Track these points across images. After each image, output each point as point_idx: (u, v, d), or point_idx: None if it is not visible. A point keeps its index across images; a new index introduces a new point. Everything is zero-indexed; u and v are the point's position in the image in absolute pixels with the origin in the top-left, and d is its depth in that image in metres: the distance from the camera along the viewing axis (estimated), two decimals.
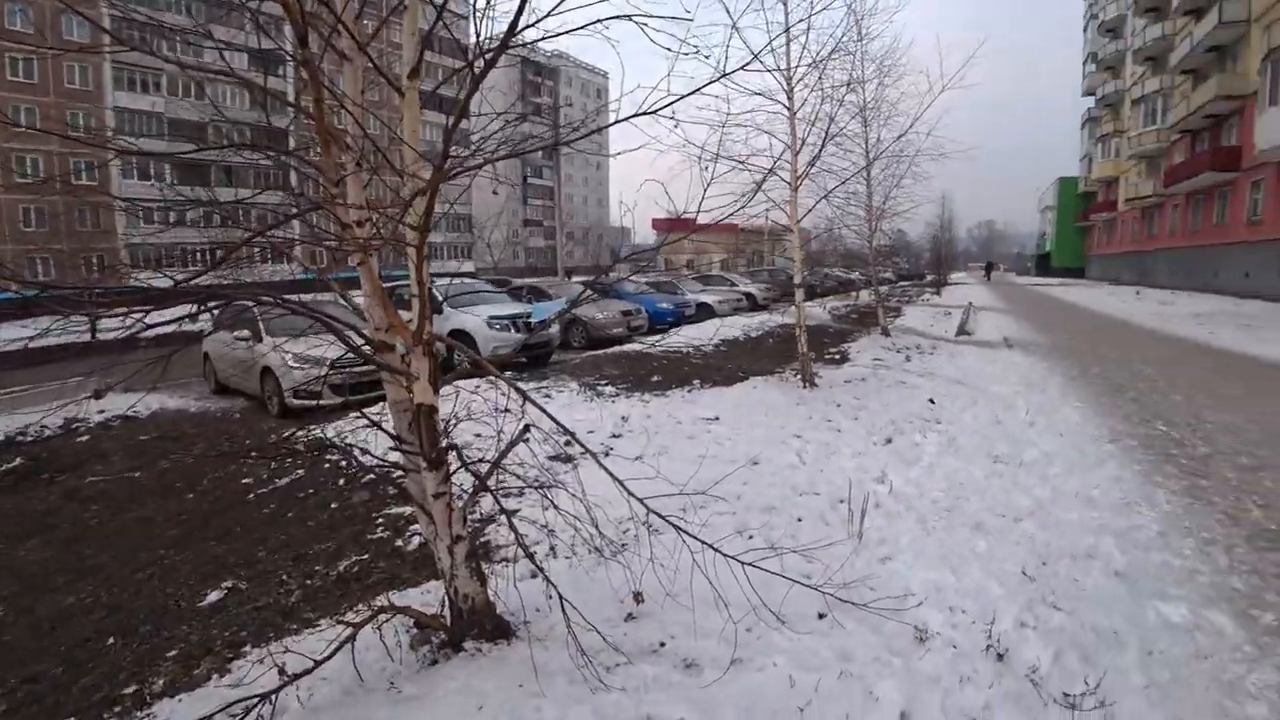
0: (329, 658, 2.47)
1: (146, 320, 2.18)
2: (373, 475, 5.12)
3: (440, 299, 11.56)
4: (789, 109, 8.16)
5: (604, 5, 2.37)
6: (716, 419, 6.75)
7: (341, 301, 3.14)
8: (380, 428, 3.03)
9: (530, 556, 3.03)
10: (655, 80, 2.76)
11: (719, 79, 3.27)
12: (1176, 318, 17.36)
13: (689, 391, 8.18)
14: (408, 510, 4.61)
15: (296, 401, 8.00)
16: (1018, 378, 9.20)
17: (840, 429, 6.42)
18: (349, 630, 2.57)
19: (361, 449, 3.37)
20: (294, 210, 2.50)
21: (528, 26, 2.07)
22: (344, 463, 5.64)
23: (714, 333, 13.78)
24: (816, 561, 3.39)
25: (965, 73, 9.75)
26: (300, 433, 4.02)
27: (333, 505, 4.92)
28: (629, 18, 2.31)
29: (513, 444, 3.13)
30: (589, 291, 4.41)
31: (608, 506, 3.30)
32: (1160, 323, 16.60)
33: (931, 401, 7.56)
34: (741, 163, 7.90)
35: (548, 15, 2.35)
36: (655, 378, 9.10)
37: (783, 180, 8.25)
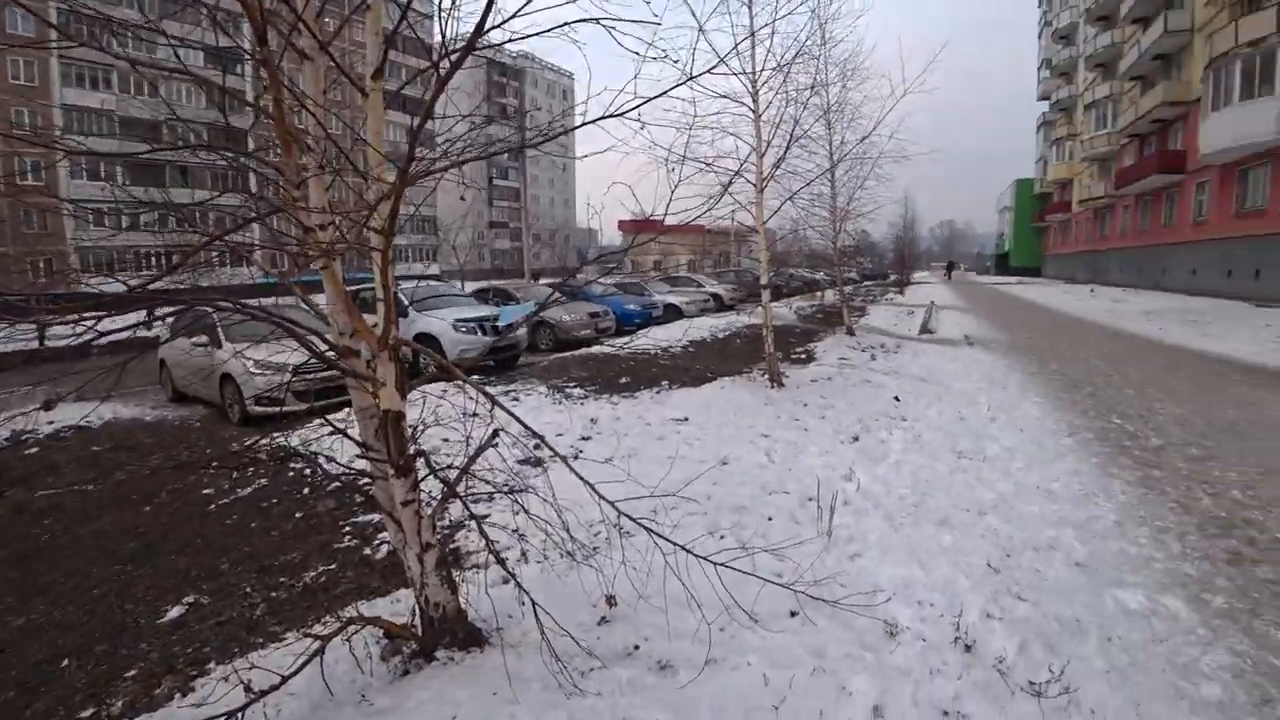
0: (296, 672, 2.41)
1: (99, 327, 2.11)
2: (339, 483, 5.02)
3: (405, 302, 11.39)
4: (754, 112, 8.24)
5: (571, 8, 2.37)
6: (685, 420, 6.77)
7: (304, 306, 3.07)
8: (346, 435, 2.98)
9: (502, 562, 3.00)
10: (621, 83, 2.76)
11: (686, 82, 3.29)
12: (1128, 315, 17.97)
13: (658, 393, 8.19)
14: (375, 518, 4.53)
15: (258, 409, 7.80)
16: (979, 375, 9.42)
17: (808, 428, 6.49)
18: (317, 643, 2.51)
19: (327, 456, 3.30)
20: (254, 214, 2.43)
21: (494, 27, 2.05)
22: (309, 471, 5.51)
23: (682, 334, 13.83)
24: (787, 560, 3.43)
25: (926, 77, 9.96)
26: (263, 441, 3.92)
27: (298, 515, 4.80)
28: (597, 21, 2.31)
29: (482, 449, 3.10)
30: (557, 294, 4.38)
31: (578, 510, 3.29)
32: (1113, 320, 17.16)
33: (897, 399, 7.69)
34: (708, 165, 7.96)
35: (514, 16, 2.33)
36: (624, 379, 9.09)
37: (748, 182, 8.33)
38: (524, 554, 3.74)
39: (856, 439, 6.10)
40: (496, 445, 3.14)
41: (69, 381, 2.25)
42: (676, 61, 3.37)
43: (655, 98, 2.82)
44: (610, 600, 3.16)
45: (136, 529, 4.85)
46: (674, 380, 8.95)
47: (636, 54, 2.80)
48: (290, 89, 2.36)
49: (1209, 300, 20.72)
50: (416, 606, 2.83)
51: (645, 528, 2.79)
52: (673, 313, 19.95)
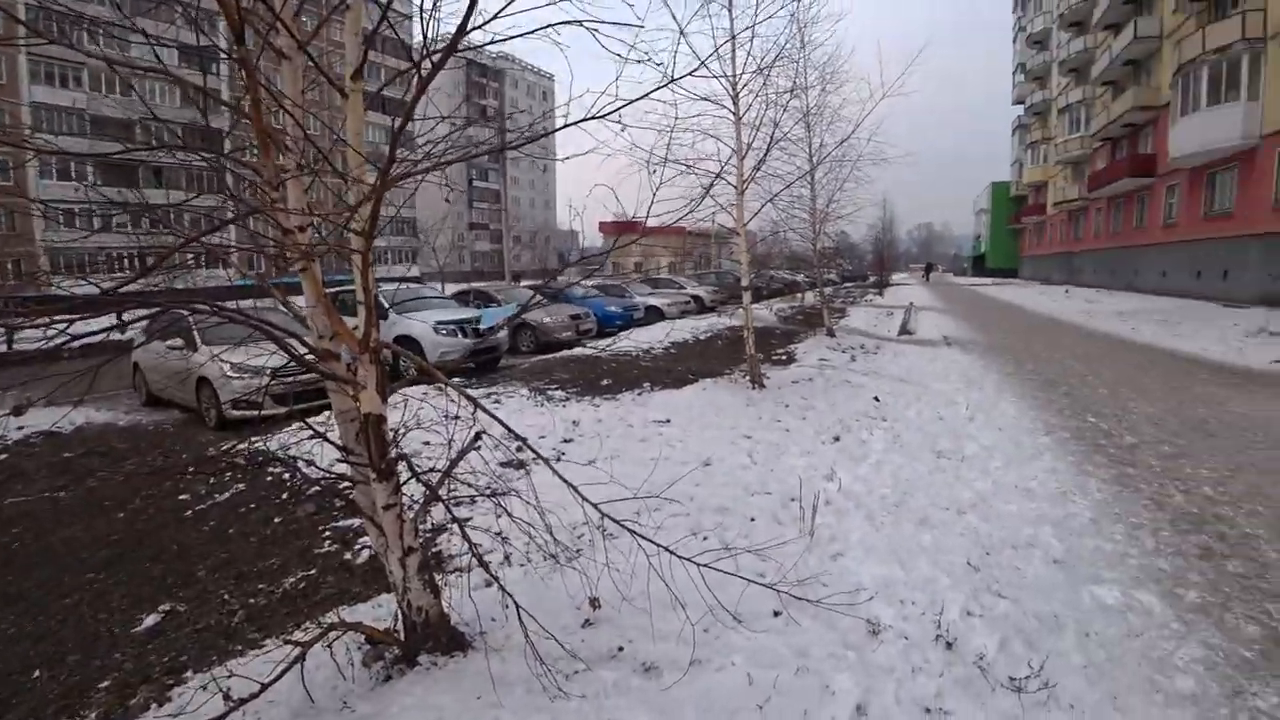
0: (277, 679, 2.37)
1: (71, 330, 2.06)
2: (318, 488, 4.96)
3: (385, 305, 11.29)
4: (735, 114, 8.28)
5: (553, 10, 2.37)
6: (668, 421, 6.78)
7: (282, 308, 3.03)
8: (326, 439, 2.94)
9: (485, 566, 2.98)
10: (601, 85, 2.76)
11: (667, 84, 3.30)
12: (1102, 315, 18.31)
13: (639, 394, 8.20)
14: (356, 522, 4.48)
15: (236, 413, 7.69)
16: (958, 375, 9.54)
17: (789, 429, 6.53)
18: (297, 650, 2.47)
19: (306, 461, 3.26)
20: (231, 215, 2.39)
21: (476, 28, 2.04)
22: (288, 476, 5.44)
23: (663, 335, 13.86)
24: (770, 560, 3.44)
25: (905, 80, 10.07)
26: (240, 445, 3.85)
27: (276, 520, 4.74)
28: (580, 23, 2.31)
29: (464, 452, 3.07)
30: (539, 296, 4.37)
31: (561, 512, 3.28)
32: (1087, 320, 17.48)
33: (877, 400, 7.76)
34: (689, 167, 7.98)
35: (495, 17, 2.32)
36: (605, 381, 9.09)
37: (729, 184, 8.37)
38: (507, 557, 3.72)
39: (837, 439, 6.15)
40: (479, 448, 3.12)
41: (40, 386, 2.20)
42: (660, 65, 3.37)
43: (637, 99, 2.83)
44: (594, 602, 3.15)
45: (110, 536, 4.76)
46: (656, 382, 8.96)
47: (620, 56, 2.80)
48: (268, 89, 2.33)
49: (1179, 301, 21.17)
50: (399, 611, 2.81)
51: (628, 529, 2.79)
52: (654, 314, 19.96)
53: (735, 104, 8.23)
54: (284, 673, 2.41)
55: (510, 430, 2.97)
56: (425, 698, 2.51)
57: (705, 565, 2.73)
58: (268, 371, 3.36)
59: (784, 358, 11.43)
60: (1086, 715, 2.39)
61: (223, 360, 7.17)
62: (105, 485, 5.84)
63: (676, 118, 7.15)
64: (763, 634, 2.89)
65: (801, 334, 15.06)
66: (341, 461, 2.81)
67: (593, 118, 2.67)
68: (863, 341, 13.40)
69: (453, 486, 3.09)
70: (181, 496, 5.36)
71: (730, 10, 7.99)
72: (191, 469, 5.47)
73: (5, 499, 5.61)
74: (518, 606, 2.68)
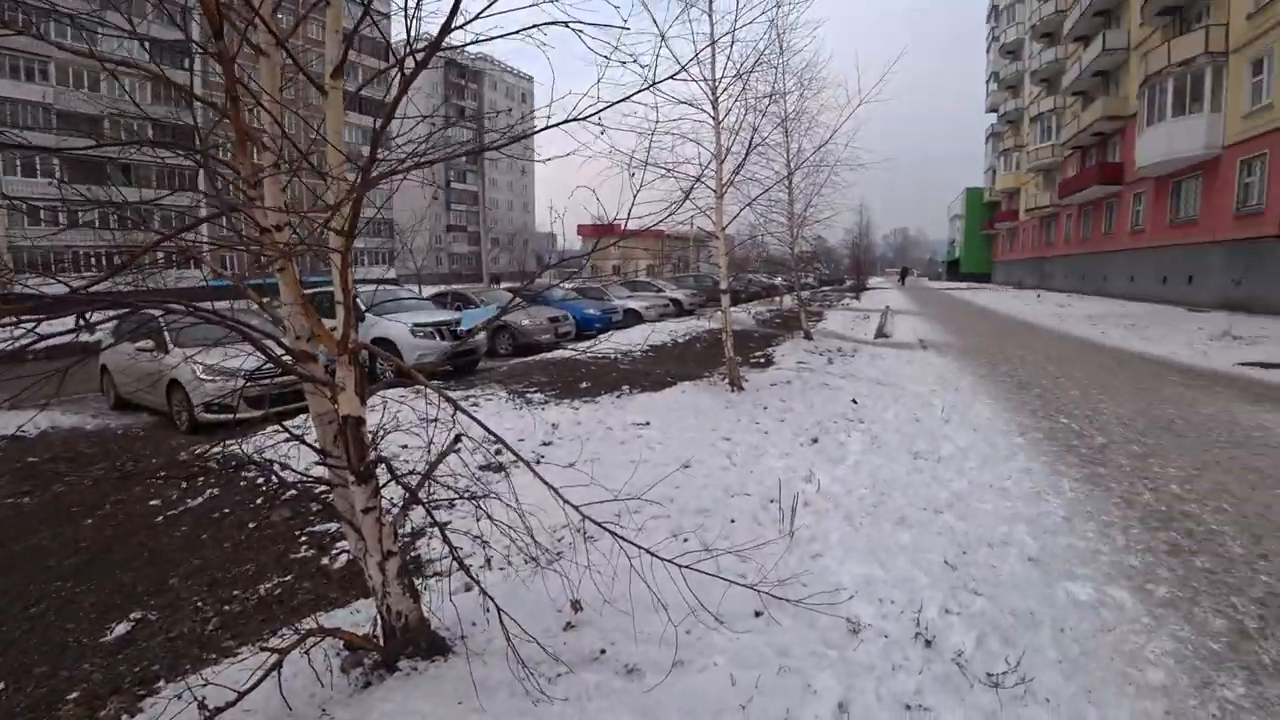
0: (254, 688, 2.32)
1: (39, 330, 2.00)
2: (295, 492, 4.89)
3: (362, 307, 11.16)
4: (714, 118, 8.33)
5: (537, 11, 2.36)
6: (647, 424, 6.78)
7: (258, 309, 2.99)
8: (303, 441, 2.90)
9: (466, 569, 2.95)
10: (580, 88, 2.77)
11: (649, 87, 3.31)
12: (1072, 319, 18.70)
13: (619, 397, 8.19)
14: (332, 527, 4.42)
15: (209, 416, 7.54)
16: (934, 377, 9.68)
17: (768, 431, 6.57)
18: (274, 657, 2.43)
19: (282, 464, 3.20)
20: (209, 212, 2.35)
21: (459, 27, 2.03)
22: (262, 480, 5.35)
23: (642, 338, 13.87)
24: (751, 561, 3.45)
25: (881, 87, 10.19)
26: (214, 449, 3.78)
27: (251, 525, 4.65)
28: (565, 24, 2.31)
29: (444, 454, 3.05)
30: (518, 299, 4.34)
31: (542, 515, 3.26)
32: (1058, 323, 17.84)
33: (854, 402, 7.84)
34: (669, 170, 8.01)
35: (477, 17, 2.31)
36: (584, 384, 9.07)
37: (708, 188, 8.40)
38: (488, 560, 3.70)
39: (816, 441, 6.19)
40: (459, 450, 3.10)
41: (3, 389, 2.13)
42: (645, 66, 3.38)
43: (619, 102, 2.83)
44: (576, 605, 3.14)
45: (78, 543, 4.63)
46: (635, 385, 8.96)
47: (605, 57, 2.81)
48: (246, 86, 2.29)
49: (1146, 305, 21.72)
50: (378, 616, 2.77)
51: (610, 531, 2.78)
52: (633, 318, 19.96)
53: (715, 108, 8.29)
54: (261, 680, 2.36)
55: (491, 432, 2.95)
56: (405, 703, 2.47)
57: (686, 567, 2.73)
58: (242, 374, 3.30)
59: (762, 360, 11.50)
60: (1062, 709, 2.44)
61: (195, 362, 7.03)
62: (73, 490, 5.70)
63: (657, 121, 7.14)
64: (744, 634, 2.90)
65: (779, 337, 15.17)
66: (319, 464, 2.77)
67: (574, 119, 2.67)
68: (840, 344, 13.53)
69: (432, 489, 3.06)
70: (152, 502, 5.25)
71: (710, 15, 8.05)
72: (163, 473, 5.36)
73: None
74: (499, 609, 2.66)
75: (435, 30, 2.03)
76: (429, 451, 3.09)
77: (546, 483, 2.70)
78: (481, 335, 12.12)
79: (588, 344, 13.68)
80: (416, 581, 2.94)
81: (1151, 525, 4.11)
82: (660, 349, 13.34)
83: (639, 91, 3.11)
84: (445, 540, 2.88)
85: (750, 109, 8.74)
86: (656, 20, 7.44)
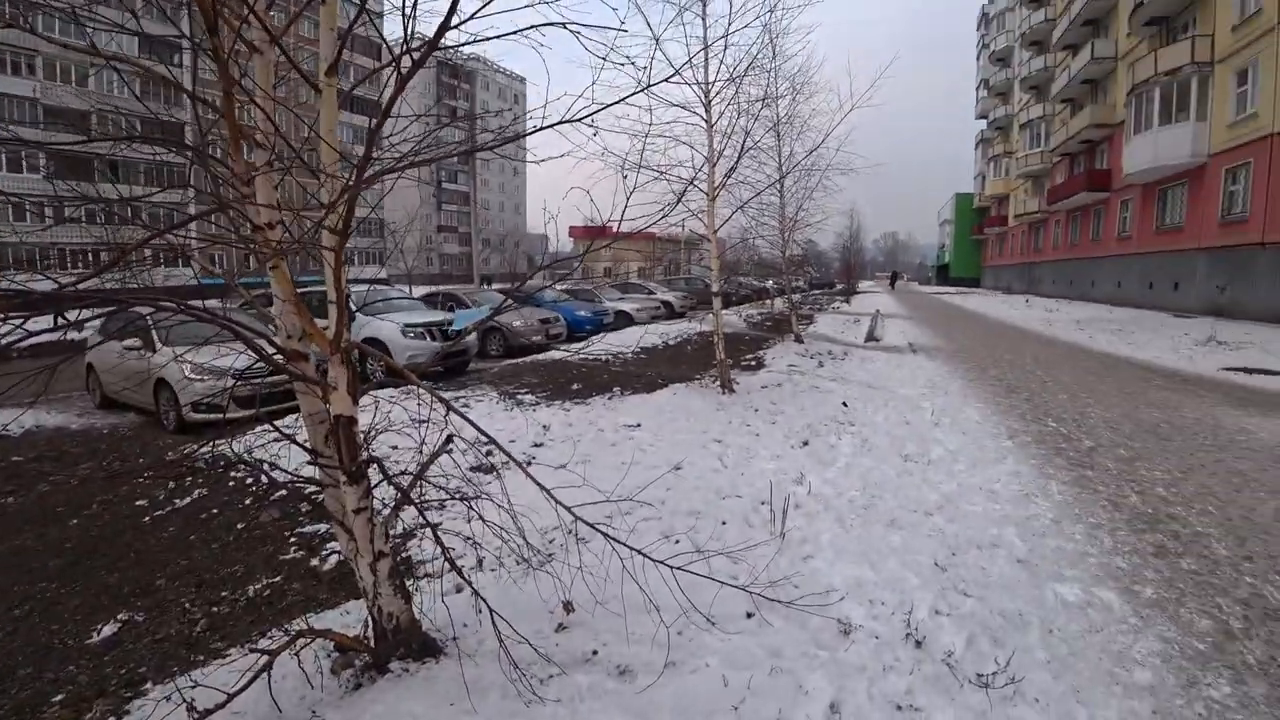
0: (243, 689, 2.30)
1: (27, 327, 1.98)
2: (284, 492, 4.85)
3: (353, 307, 11.10)
4: (707, 122, 8.36)
5: (534, 13, 2.36)
6: (639, 426, 6.78)
7: (249, 308, 2.97)
8: (294, 441, 2.88)
9: (458, 570, 2.94)
10: (573, 90, 2.76)
11: (643, 90, 3.31)
12: (1060, 323, 18.87)
13: (610, 399, 8.19)
14: (322, 528, 4.40)
15: (196, 416, 7.48)
16: (923, 381, 9.73)
17: (759, 433, 6.59)
18: (264, 658, 2.41)
19: (271, 464, 3.18)
20: (201, 209, 2.34)
21: (458, 25, 2.03)
22: (251, 480, 5.31)
23: (634, 340, 13.88)
24: (742, 563, 3.46)
25: (873, 92, 10.27)
26: (203, 449, 3.75)
27: (240, 526, 4.60)
28: (564, 25, 2.31)
29: (436, 455, 3.03)
30: (510, 300, 4.33)
31: (534, 516, 3.27)
32: (1046, 328, 17.99)
33: (845, 405, 7.87)
34: (662, 173, 8.02)
35: (472, 17, 2.31)
36: (576, 386, 9.07)
37: (701, 190, 8.43)
38: (480, 561, 3.69)
39: (806, 443, 6.21)
40: (450, 451, 3.09)
41: None
42: (644, 68, 3.37)
43: (613, 104, 2.84)
44: (568, 606, 3.13)
45: (63, 544, 4.58)
46: (626, 386, 8.96)
47: (602, 59, 2.81)
48: (240, 84, 2.28)
49: (1133, 311, 21.94)
50: (369, 617, 2.75)
51: (602, 533, 2.78)
52: (624, 319, 19.98)
53: (708, 111, 8.31)
54: (250, 682, 2.34)
55: (483, 433, 2.94)
56: (397, 705, 2.46)
57: (678, 568, 2.74)
58: (229, 373, 3.28)
59: (753, 363, 11.53)
60: (1051, 708, 2.46)
61: (183, 361, 6.97)
62: (58, 490, 5.63)
63: (651, 124, 7.17)
64: (736, 635, 2.90)
65: (770, 340, 15.21)
66: (311, 464, 2.75)
67: (569, 120, 2.67)
68: (830, 348, 13.59)
69: (423, 490, 3.05)
70: (139, 502, 5.20)
71: (704, 19, 8.08)
72: (150, 473, 5.31)
73: None
74: (491, 610, 2.65)
75: (428, 30, 2.03)
76: (420, 453, 3.07)
77: (539, 483, 2.70)
78: (472, 336, 12.10)
79: (579, 345, 13.69)
80: (407, 583, 2.93)
81: (1138, 527, 4.15)
82: (651, 351, 13.35)
83: (633, 94, 3.12)
84: (438, 541, 2.87)
85: (743, 113, 8.78)
86: (650, 23, 7.47)
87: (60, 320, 2.09)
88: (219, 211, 2.28)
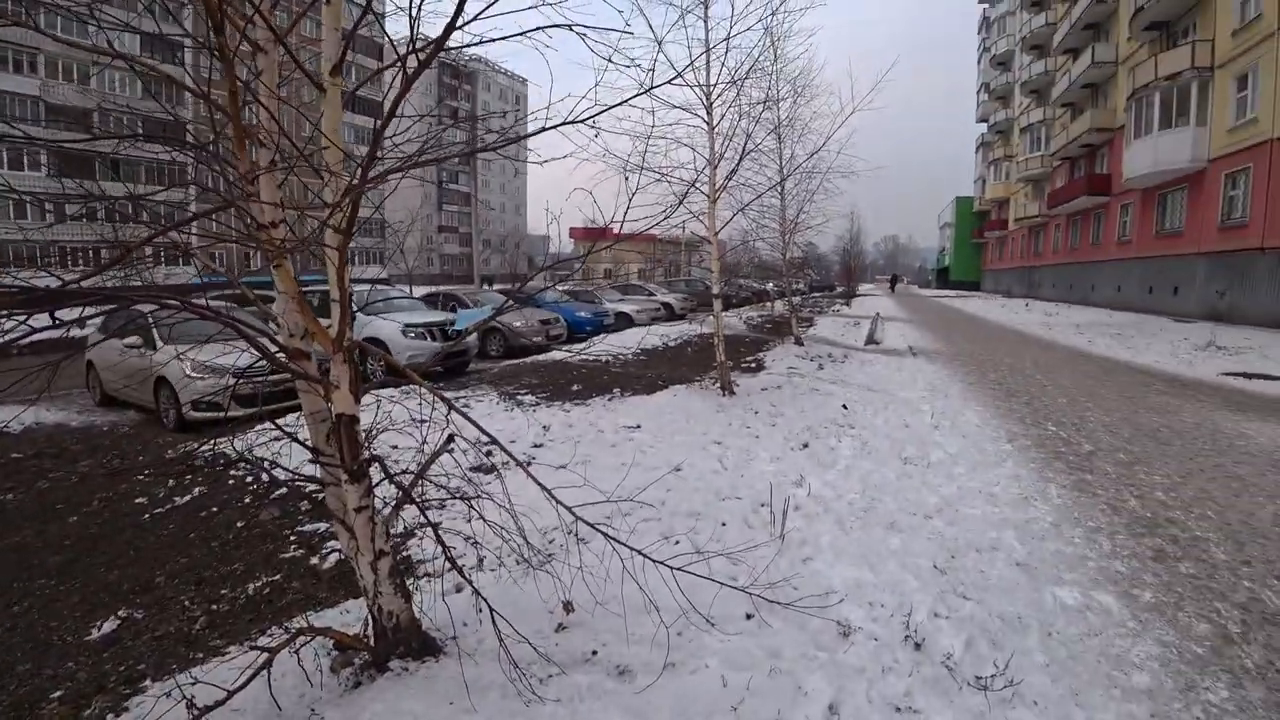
0: (243, 686, 2.31)
1: (31, 323, 1.98)
2: (284, 490, 4.85)
3: (354, 306, 11.11)
4: (708, 124, 8.37)
5: (538, 15, 2.37)
6: (639, 427, 6.79)
7: (249, 306, 2.97)
8: (296, 440, 2.89)
9: (458, 569, 2.94)
10: (576, 91, 2.78)
11: (646, 92, 3.33)
12: (1060, 327, 18.88)
13: (610, 400, 8.20)
14: (322, 527, 4.40)
15: (196, 414, 7.48)
16: (923, 384, 9.74)
17: (759, 435, 6.59)
18: (264, 656, 2.41)
19: (272, 462, 3.18)
20: (206, 207, 2.34)
21: (462, 26, 2.03)
22: (250, 478, 5.32)
23: (634, 342, 13.89)
24: (742, 564, 3.47)
25: (874, 96, 10.29)
26: (204, 447, 3.75)
27: (239, 524, 4.61)
28: (569, 26, 2.32)
29: (437, 454, 3.04)
30: (510, 301, 4.34)
31: (534, 516, 3.27)
32: (1046, 332, 18.00)
33: (845, 407, 7.88)
34: (663, 175, 8.04)
35: (476, 18, 2.32)
36: (576, 386, 9.07)
37: (701, 193, 8.44)
38: (480, 560, 3.69)
39: (806, 446, 6.22)
40: (451, 450, 3.09)
41: None
42: (651, 70, 3.39)
43: (616, 105, 2.84)
44: (567, 606, 3.14)
45: (63, 541, 4.58)
46: (626, 388, 8.97)
47: (608, 60, 2.82)
48: (244, 83, 2.29)
49: (1132, 315, 21.97)
50: (369, 616, 2.75)
51: (602, 533, 2.78)
52: (624, 321, 20.00)
53: (709, 114, 8.33)
54: (250, 679, 2.35)
55: (485, 433, 2.94)
56: (397, 704, 2.47)
57: (678, 569, 2.74)
58: (229, 371, 3.28)
59: (753, 365, 11.54)
60: (1050, 711, 2.46)
61: (184, 359, 6.97)
62: (58, 487, 5.63)
63: (653, 125, 7.17)
64: (736, 636, 2.91)
65: (770, 342, 15.22)
66: (312, 462, 2.76)
67: (572, 121, 2.68)
68: (830, 350, 13.60)
69: (424, 489, 3.05)
70: (139, 500, 5.20)
71: (706, 22, 8.10)
72: (149, 470, 5.31)
73: None
74: (491, 609, 2.66)
75: (430, 31, 2.04)
76: (422, 452, 3.08)
77: (540, 483, 2.70)
78: (473, 336, 12.10)
79: (580, 346, 13.67)
80: (407, 582, 2.93)
81: (1137, 531, 4.15)
82: (652, 352, 13.36)
83: (636, 96, 3.13)
84: (438, 540, 2.87)
85: (744, 115, 8.80)
86: (653, 26, 7.48)
87: (57, 318, 2.08)
88: (227, 208, 2.28)
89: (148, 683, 2.91)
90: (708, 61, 8.02)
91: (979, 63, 54.38)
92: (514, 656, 2.54)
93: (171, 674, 2.89)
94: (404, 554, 4.02)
